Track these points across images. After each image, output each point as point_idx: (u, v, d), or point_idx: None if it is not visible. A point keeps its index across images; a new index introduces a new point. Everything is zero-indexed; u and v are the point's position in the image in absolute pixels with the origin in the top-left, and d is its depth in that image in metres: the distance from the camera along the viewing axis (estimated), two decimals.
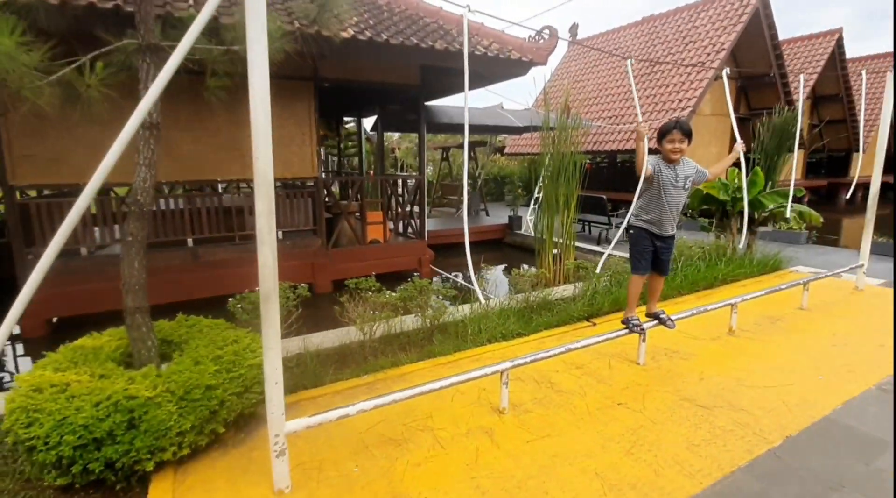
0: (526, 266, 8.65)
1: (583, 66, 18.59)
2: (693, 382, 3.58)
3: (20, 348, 5.70)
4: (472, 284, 3.93)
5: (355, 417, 2.66)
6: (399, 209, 9.17)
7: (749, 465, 2.61)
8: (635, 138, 3.53)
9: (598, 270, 4.65)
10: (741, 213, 7.08)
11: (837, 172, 21.23)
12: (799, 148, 8.53)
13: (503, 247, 11.58)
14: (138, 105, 1.99)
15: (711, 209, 7.44)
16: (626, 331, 3.82)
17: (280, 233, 7.27)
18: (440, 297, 4.56)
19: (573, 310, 4.96)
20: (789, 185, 7.22)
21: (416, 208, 9.06)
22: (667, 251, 3.80)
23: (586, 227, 11.03)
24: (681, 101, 12.89)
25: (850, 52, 19.42)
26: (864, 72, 6.59)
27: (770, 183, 7.39)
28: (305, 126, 7.24)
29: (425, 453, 2.72)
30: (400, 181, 9.56)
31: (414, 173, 17.18)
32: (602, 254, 8.85)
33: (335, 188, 10.88)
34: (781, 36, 14.21)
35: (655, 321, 3.92)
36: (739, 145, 4.13)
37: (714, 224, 7.55)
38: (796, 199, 7.35)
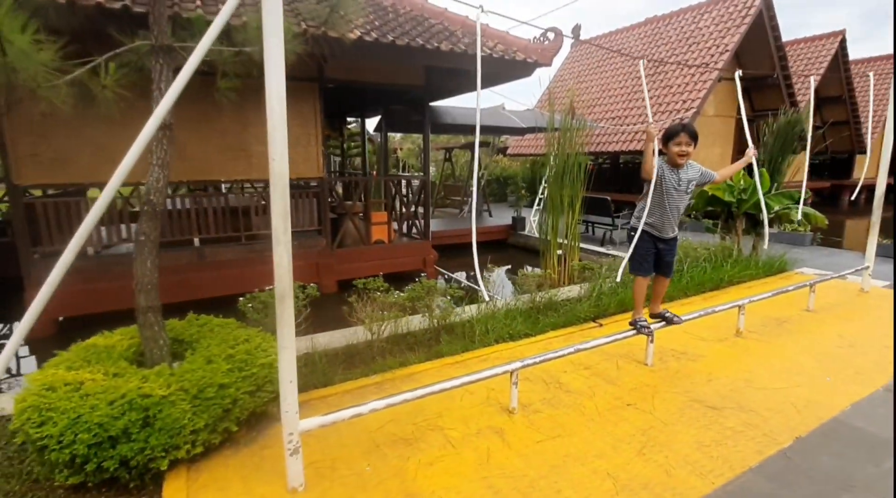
0: (530, 267, 8.66)
1: (585, 67, 18.60)
2: (701, 383, 3.59)
3: (24, 349, 5.69)
4: (479, 285, 3.95)
5: (366, 416, 2.67)
6: (403, 210, 9.19)
7: (760, 465, 2.62)
8: (644, 139, 3.53)
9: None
10: (746, 214, 7.09)
11: (840, 174, 21.23)
12: (803, 150, 8.54)
13: (507, 248, 11.59)
14: (157, 107, 2.00)
15: (716, 210, 7.45)
16: (634, 332, 3.83)
17: None
18: (448, 297, 4.57)
19: (579, 310, 4.97)
20: (794, 187, 7.22)
21: (420, 209, 9.07)
22: (670, 253, 3.81)
23: (589, 228, 11.05)
24: (684, 102, 12.90)
25: (851, 53, 19.38)
26: (871, 74, 6.58)
27: (776, 184, 7.40)
28: (311, 127, 7.26)
29: (437, 453, 2.73)
30: (404, 182, 9.58)
31: (418, 174, 17.21)
32: (605, 255, 8.90)
33: (339, 188, 10.91)
34: (782, 37, 14.21)
35: (662, 322, 3.93)
36: (752, 151, 4.13)
37: (719, 225, 7.56)
38: (801, 201, 7.35)
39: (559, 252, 7.04)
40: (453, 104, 11.14)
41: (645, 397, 3.36)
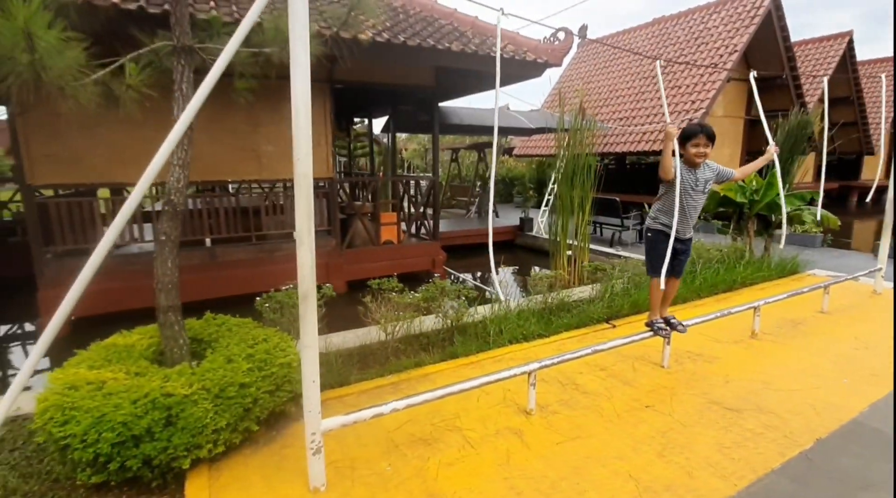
0: (538, 268, 8.64)
1: (592, 68, 18.57)
2: (719, 384, 3.57)
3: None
4: (494, 285, 3.93)
5: (385, 416, 2.67)
6: (412, 210, 9.19)
7: (782, 467, 2.61)
8: (663, 139, 3.52)
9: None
10: (758, 215, 7.05)
11: (848, 175, 21.12)
12: (811, 151, 8.50)
13: (514, 248, 11.58)
14: (181, 108, 2.01)
15: (728, 211, 7.42)
16: (650, 333, 3.82)
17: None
18: (462, 297, 4.57)
19: (592, 311, 4.96)
20: (804, 188, 7.18)
21: (429, 210, 9.07)
22: (684, 253, 3.80)
23: (598, 229, 11.03)
24: (693, 102, 12.86)
25: (858, 54, 19.26)
26: (883, 76, 6.55)
27: (786, 186, 7.36)
28: (321, 127, 7.26)
29: (456, 453, 2.73)
30: (412, 182, 9.58)
31: (426, 174, 17.20)
32: (615, 256, 8.88)
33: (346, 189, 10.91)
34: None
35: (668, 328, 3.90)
36: (773, 148, 4.11)
37: (731, 227, 7.53)
38: (810, 202, 7.33)
39: (569, 253, 7.03)
40: (460, 105, 11.16)
41: (663, 399, 3.35)
